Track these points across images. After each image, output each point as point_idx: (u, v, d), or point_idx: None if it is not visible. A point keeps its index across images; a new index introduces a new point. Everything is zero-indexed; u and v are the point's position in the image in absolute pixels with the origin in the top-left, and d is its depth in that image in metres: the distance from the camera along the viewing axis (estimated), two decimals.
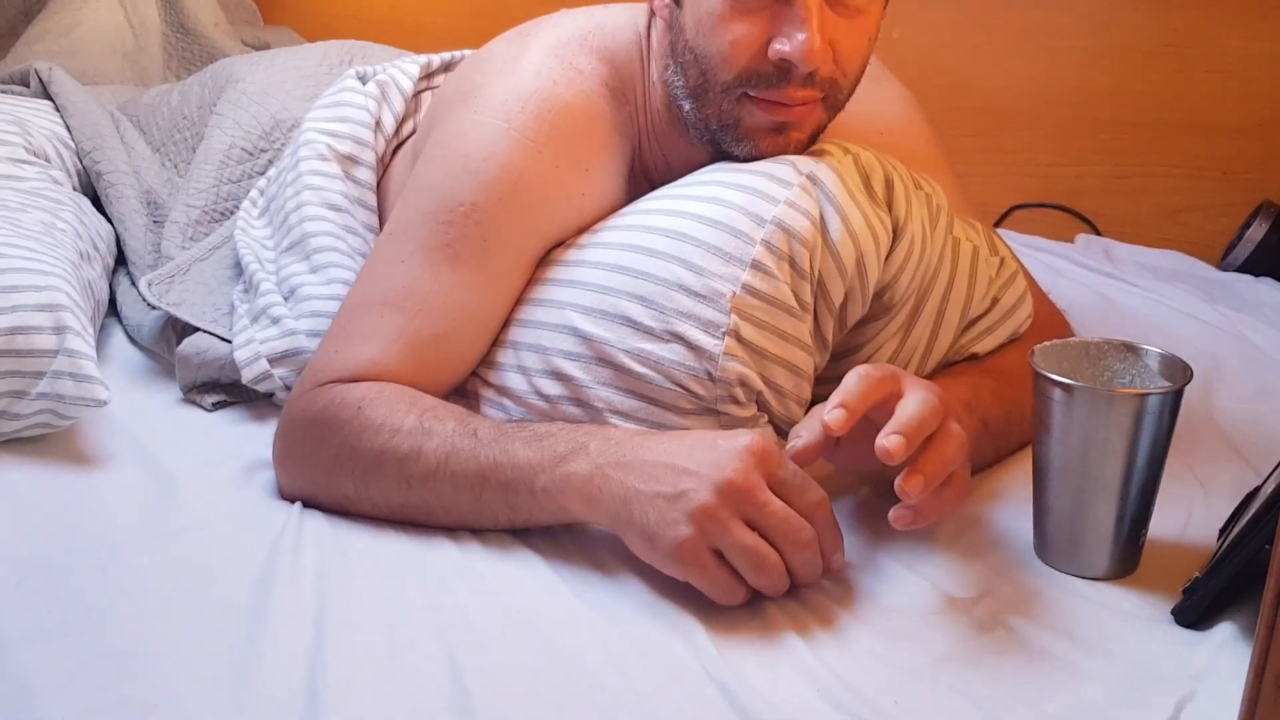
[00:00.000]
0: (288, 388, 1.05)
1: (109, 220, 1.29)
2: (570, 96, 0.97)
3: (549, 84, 0.97)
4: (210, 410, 1.09)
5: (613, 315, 0.91)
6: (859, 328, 0.98)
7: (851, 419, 0.81)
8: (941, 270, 0.99)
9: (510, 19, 1.08)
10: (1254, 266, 1.58)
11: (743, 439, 0.81)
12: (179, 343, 1.12)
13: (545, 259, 0.98)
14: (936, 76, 1.70)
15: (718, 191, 0.93)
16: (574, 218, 0.98)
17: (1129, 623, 0.82)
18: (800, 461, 0.83)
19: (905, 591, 0.84)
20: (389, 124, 1.22)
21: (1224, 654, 0.78)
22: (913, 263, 0.96)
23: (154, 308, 1.16)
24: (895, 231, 0.95)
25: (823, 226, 0.92)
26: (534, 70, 0.98)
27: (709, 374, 0.90)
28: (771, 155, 0.95)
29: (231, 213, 1.27)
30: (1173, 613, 0.83)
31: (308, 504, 0.92)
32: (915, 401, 0.82)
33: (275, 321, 1.08)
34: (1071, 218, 1.75)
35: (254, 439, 1.02)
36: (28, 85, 1.45)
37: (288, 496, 0.93)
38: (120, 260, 1.28)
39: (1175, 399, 0.84)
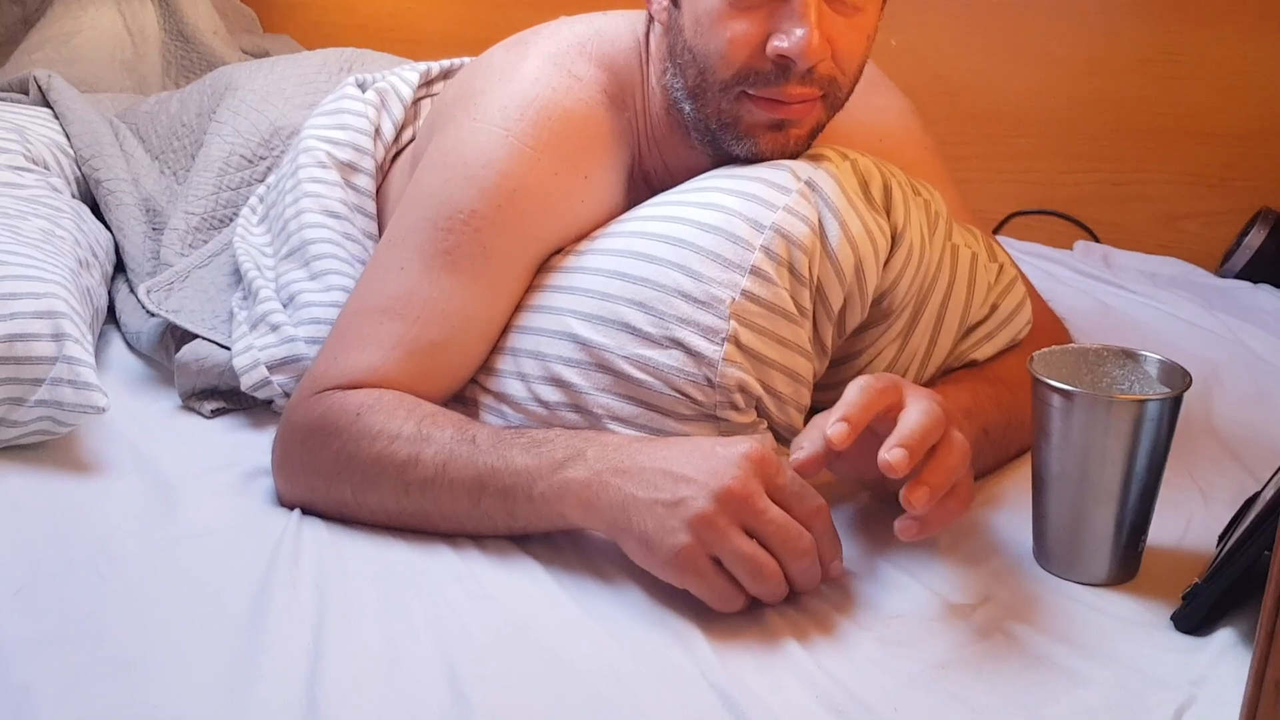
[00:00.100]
0: (287, 395, 1.05)
1: (108, 227, 1.29)
2: (569, 104, 0.98)
3: (548, 91, 0.97)
4: (209, 417, 1.09)
5: (612, 321, 0.91)
6: (858, 334, 0.98)
7: (854, 433, 0.81)
8: (940, 276, 0.99)
9: (509, 27, 1.08)
10: (1252, 273, 1.58)
11: (741, 446, 0.80)
12: (178, 350, 1.12)
13: (544, 265, 0.98)
14: (936, 84, 1.71)
15: (716, 198, 0.94)
16: (573, 224, 0.98)
17: (1128, 629, 0.82)
18: (803, 474, 0.82)
19: (905, 598, 0.84)
20: (388, 131, 1.22)
21: (1224, 660, 0.78)
22: (911, 269, 0.96)
23: (153, 315, 1.16)
24: (894, 237, 0.95)
25: (821, 232, 0.92)
26: (533, 78, 0.98)
27: (708, 380, 0.90)
28: (771, 153, 0.95)
29: (230, 220, 1.27)
30: (1172, 619, 0.83)
31: (306, 511, 0.92)
32: (918, 412, 0.81)
33: (274, 329, 1.08)
34: (1070, 225, 1.75)
35: (253, 446, 1.02)
36: (27, 93, 1.45)
37: (286, 504, 0.93)
38: (119, 268, 1.28)
39: (1174, 405, 0.84)
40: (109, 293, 1.24)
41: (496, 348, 0.97)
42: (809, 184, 0.93)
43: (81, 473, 0.98)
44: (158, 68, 1.81)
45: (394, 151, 1.23)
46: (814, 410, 0.96)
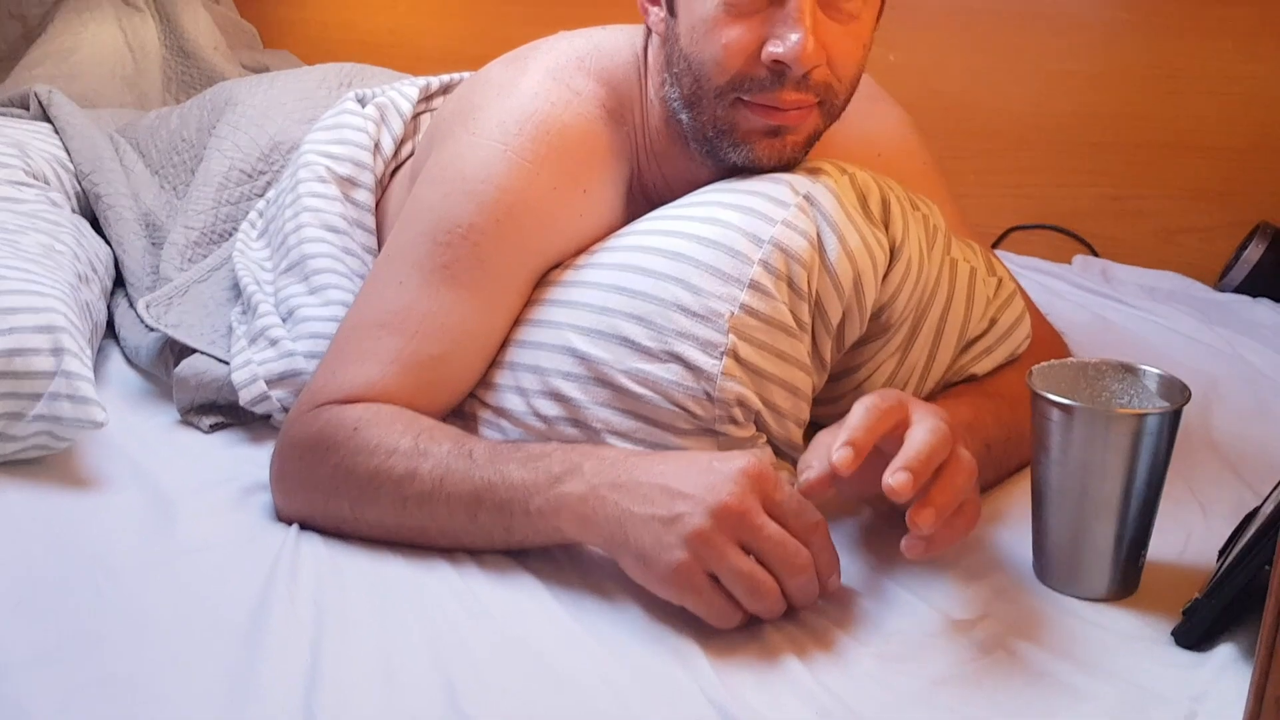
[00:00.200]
0: (285, 409, 1.05)
1: (107, 242, 1.29)
2: (568, 118, 0.98)
3: (547, 106, 0.98)
4: (208, 432, 1.09)
5: (611, 335, 0.91)
6: (857, 348, 0.98)
7: (859, 458, 0.80)
8: (939, 290, 0.99)
9: (509, 43, 1.08)
10: (1251, 287, 1.58)
11: (738, 461, 0.80)
12: (176, 364, 1.12)
13: (543, 280, 0.98)
14: (934, 99, 1.71)
15: (715, 212, 0.94)
16: (572, 239, 0.99)
17: (1129, 644, 0.82)
18: (811, 496, 0.82)
19: (905, 614, 0.84)
20: (388, 146, 1.22)
21: (1224, 675, 0.78)
22: (910, 283, 0.96)
23: (152, 329, 1.16)
24: (892, 251, 0.95)
25: (820, 246, 0.92)
26: (532, 93, 0.98)
27: (707, 394, 0.89)
28: (768, 159, 0.95)
29: (230, 234, 1.27)
30: (1173, 634, 0.82)
31: (305, 526, 0.91)
32: (924, 432, 0.81)
33: (273, 343, 1.08)
34: (1069, 239, 1.75)
35: (251, 461, 1.02)
36: (27, 108, 1.46)
37: (285, 519, 0.93)
38: (119, 282, 1.28)
39: (1173, 419, 0.83)
40: (108, 307, 1.24)
41: (495, 362, 0.97)
42: (807, 198, 0.93)
43: (79, 487, 0.97)
44: (158, 83, 1.82)
45: (393, 166, 1.23)
46: (813, 424, 0.96)
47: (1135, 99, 1.71)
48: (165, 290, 1.19)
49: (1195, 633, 0.81)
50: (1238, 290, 1.59)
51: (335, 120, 1.23)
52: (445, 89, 1.29)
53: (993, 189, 1.77)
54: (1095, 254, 1.72)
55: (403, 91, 1.27)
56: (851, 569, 0.87)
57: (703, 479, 0.79)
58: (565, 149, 0.97)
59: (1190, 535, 0.95)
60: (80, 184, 1.34)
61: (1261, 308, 1.52)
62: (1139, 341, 1.37)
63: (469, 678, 0.75)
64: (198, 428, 1.09)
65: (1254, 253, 1.59)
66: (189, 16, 1.86)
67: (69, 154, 1.36)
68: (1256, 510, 0.89)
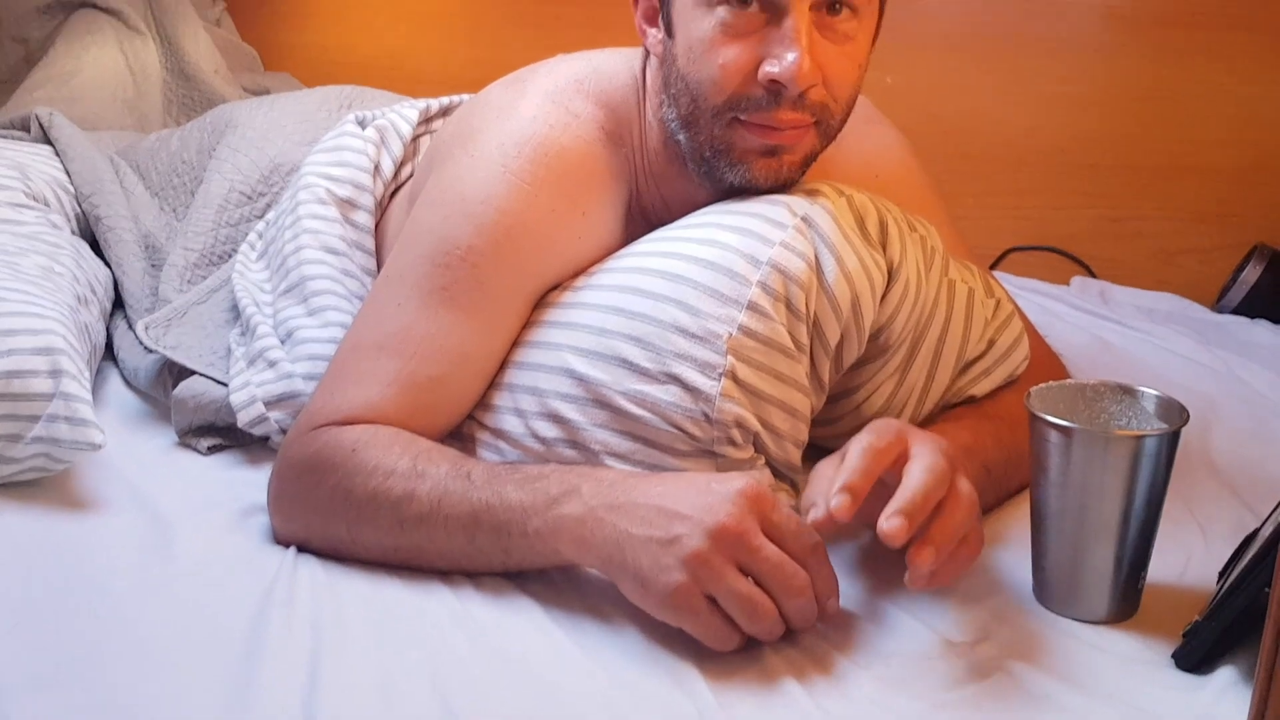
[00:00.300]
0: (283, 431, 1.05)
1: (107, 264, 1.29)
2: (567, 141, 0.98)
3: (545, 129, 0.98)
4: (206, 454, 1.09)
5: (609, 357, 0.91)
6: (855, 369, 0.98)
7: (856, 503, 0.80)
8: (937, 312, 0.99)
9: (508, 66, 1.09)
10: (1249, 309, 1.59)
11: (736, 482, 0.80)
12: (175, 386, 1.12)
13: (542, 301, 0.98)
14: (932, 122, 1.71)
15: (713, 233, 0.94)
16: (570, 261, 0.99)
17: (1129, 667, 0.81)
18: (821, 532, 0.81)
19: (904, 636, 0.84)
20: (387, 168, 1.23)
21: (1225, 698, 0.78)
22: (908, 304, 0.96)
23: (151, 351, 1.16)
24: (890, 273, 0.95)
25: (818, 268, 0.92)
26: (530, 115, 0.99)
27: (705, 415, 0.89)
28: (764, 179, 0.96)
29: (229, 256, 1.27)
30: (1173, 656, 0.82)
31: (302, 548, 0.91)
32: (920, 470, 0.81)
33: (272, 365, 1.08)
34: (1067, 261, 1.76)
35: (249, 483, 1.02)
36: (28, 130, 1.46)
37: (282, 541, 0.93)
38: (118, 304, 1.28)
39: (1172, 441, 0.83)
40: (107, 329, 1.24)
41: (493, 384, 0.97)
42: (805, 220, 0.93)
43: (77, 509, 0.97)
44: (159, 106, 1.83)
45: (393, 188, 1.23)
46: (812, 445, 0.96)
47: (1132, 121, 1.71)
48: (164, 312, 1.20)
49: (1195, 655, 0.81)
50: (1235, 311, 1.59)
51: (335, 142, 1.23)
52: (445, 111, 1.29)
53: (991, 211, 1.77)
54: (1093, 275, 1.73)
55: (402, 114, 1.27)
56: (850, 591, 0.87)
57: (700, 500, 0.79)
58: (564, 171, 0.97)
59: (1190, 557, 0.95)
60: (80, 206, 1.34)
61: (1259, 329, 1.52)
62: (1137, 363, 1.37)
63: (466, 701, 0.75)
64: (196, 450, 1.09)
65: (1251, 274, 1.59)
66: (190, 40, 1.87)
67: (69, 176, 1.36)
68: (1256, 532, 0.89)
